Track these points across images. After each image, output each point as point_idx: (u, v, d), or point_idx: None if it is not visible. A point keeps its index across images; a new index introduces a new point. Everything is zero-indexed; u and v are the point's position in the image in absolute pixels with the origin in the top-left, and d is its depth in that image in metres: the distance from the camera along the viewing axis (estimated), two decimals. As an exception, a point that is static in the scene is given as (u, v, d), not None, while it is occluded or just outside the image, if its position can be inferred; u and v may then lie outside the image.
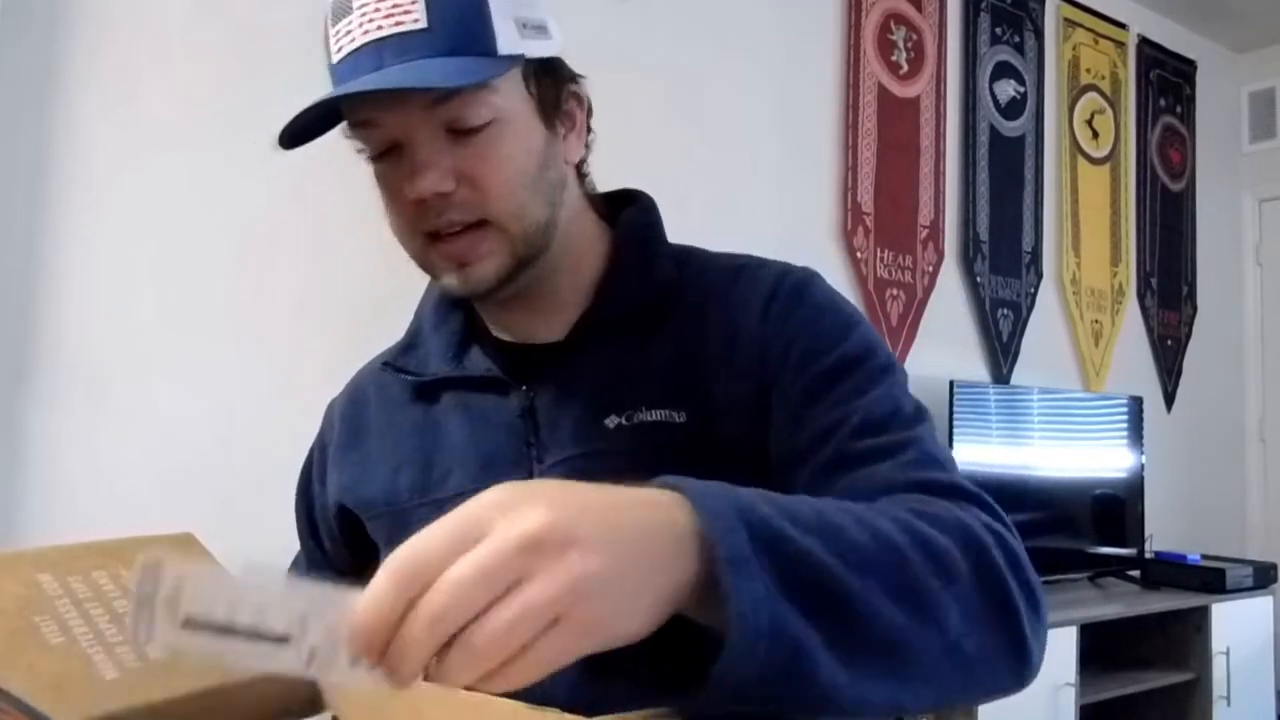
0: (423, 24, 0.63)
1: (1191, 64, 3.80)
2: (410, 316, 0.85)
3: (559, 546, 0.39)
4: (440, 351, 0.78)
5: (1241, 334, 3.90)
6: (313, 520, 0.88)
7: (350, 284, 1.84)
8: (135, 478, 1.62)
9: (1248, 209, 3.94)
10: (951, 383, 2.63)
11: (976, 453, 2.67)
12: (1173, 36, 3.73)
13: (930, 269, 2.85)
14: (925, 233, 2.85)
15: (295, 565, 0.92)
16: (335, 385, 0.89)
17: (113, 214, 1.64)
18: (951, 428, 2.59)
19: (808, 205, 2.61)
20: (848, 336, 0.71)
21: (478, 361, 0.77)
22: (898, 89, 2.82)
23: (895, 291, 2.75)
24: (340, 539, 0.85)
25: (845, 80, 2.70)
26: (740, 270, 0.76)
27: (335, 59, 0.66)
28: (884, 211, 2.75)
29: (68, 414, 1.59)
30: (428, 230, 0.68)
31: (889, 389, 0.68)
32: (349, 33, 0.65)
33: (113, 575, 0.58)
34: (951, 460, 0.67)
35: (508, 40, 0.66)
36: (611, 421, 0.71)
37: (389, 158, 0.68)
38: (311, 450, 0.89)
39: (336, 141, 0.70)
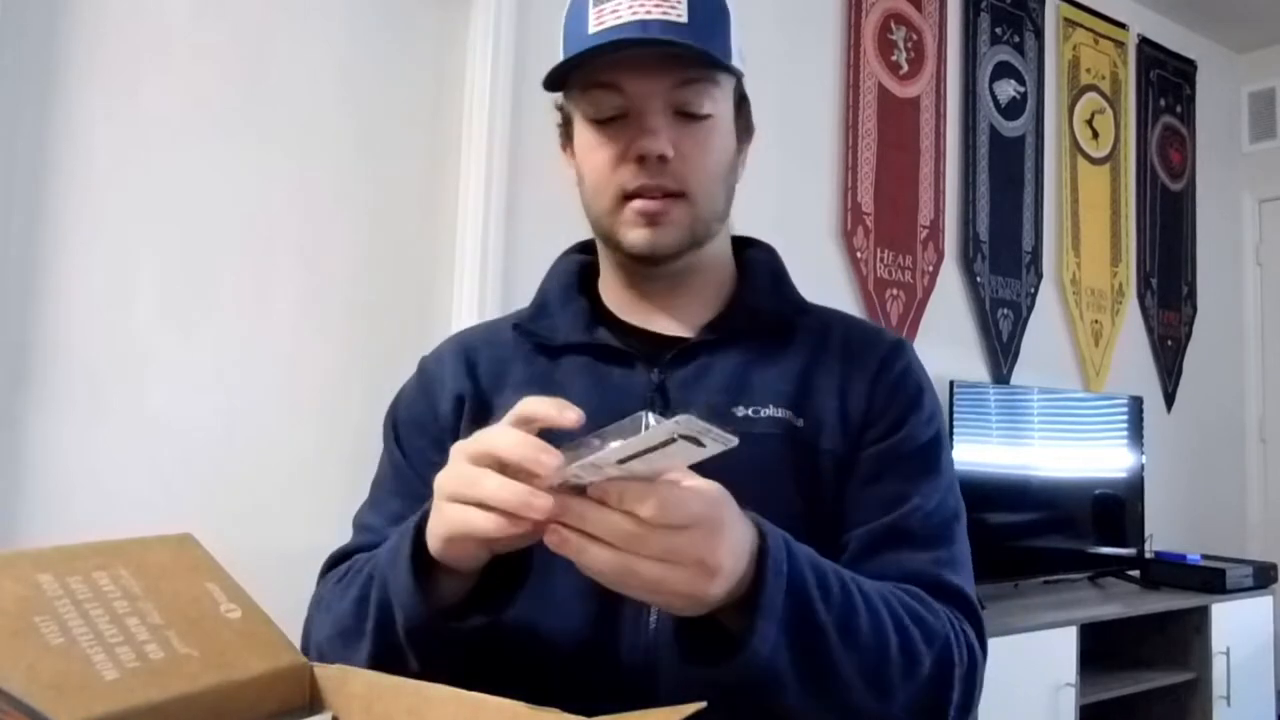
0: (684, 19, 0.75)
1: (1191, 64, 3.80)
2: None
3: (710, 574, 0.57)
4: (569, 324, 0.86)
5: (1241, 334, 3.90)
6: (399, 439, 0.87)
7: (350, 286, 1.82)
8: (134, 479, 1.62)
9: (1248, 209, 3.94)
10: (951, 383, 2.62)
11: (976, 453, 2.66)
12: (1173, 36, 3.73)
13: (930, 269, 2.85)
14: (925, 233, 2.85)
15: (366, 513, 0.87)
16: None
17: (112, 214, 1.64)
18: (951, 428, 2.58)
19: (808, 205, 2.60)
20: (929, 427, 0.83)
21: (606, 338, 0.85)
22: (898, 89, 2.82)
23: (895, 291, 2.75)
24: (449, 431, 0.83)
25: (845, 80, 2.70)
26: (848, 320, 0.90)
27: (594, 29, 0.76)
28: (884, 211, 2.75)
29: (67, 415, 1.59)
30: (630, 190, 0.78)
31: (944, 485, 0.82)
32: (615, 10, 0.75)
33: (113, 575, 0.58)
34: (969, 563, 0.81)
35: (736, 56, 0.80)
36: (740, 411, 0.80)
37: (614, 123, 0.78)
38: (402, 390, 0.91)
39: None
